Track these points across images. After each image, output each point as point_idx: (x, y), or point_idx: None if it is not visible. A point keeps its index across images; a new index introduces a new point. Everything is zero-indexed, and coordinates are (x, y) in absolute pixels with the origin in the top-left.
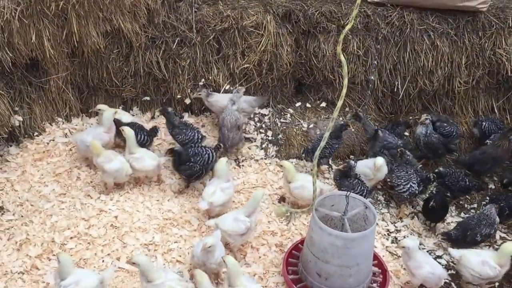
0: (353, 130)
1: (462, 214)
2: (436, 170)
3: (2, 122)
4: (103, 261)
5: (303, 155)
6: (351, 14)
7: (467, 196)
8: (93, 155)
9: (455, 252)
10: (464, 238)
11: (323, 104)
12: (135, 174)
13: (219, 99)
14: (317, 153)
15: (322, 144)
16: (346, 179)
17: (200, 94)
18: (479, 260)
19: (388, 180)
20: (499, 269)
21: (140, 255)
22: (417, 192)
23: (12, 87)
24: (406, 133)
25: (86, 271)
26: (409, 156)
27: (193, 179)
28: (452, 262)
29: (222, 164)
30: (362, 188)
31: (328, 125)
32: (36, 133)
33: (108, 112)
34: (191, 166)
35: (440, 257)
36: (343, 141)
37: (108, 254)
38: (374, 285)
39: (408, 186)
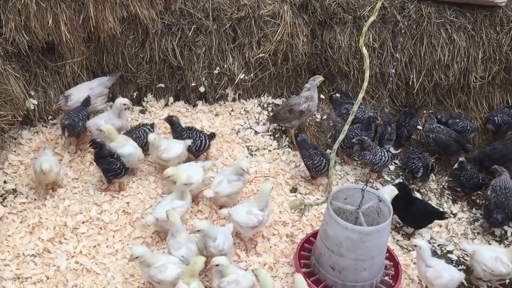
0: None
1: (474, 210)
2: (461, 159)
3: (17, 105)
4: (114, 247)
5: (330, 139)
6: (375, 6)
7: (479, 192)
8: (106, 140)
9: (468, 247)
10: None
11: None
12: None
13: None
14: (335, 146)
15: (341, 137)
16: (306, 149)
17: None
18: (492, 256)
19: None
20: (511, 266)
21: (137, 246)
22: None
23: (28, 71)
24: (419, 126)
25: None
26: (369, 144)
27: (111, 176)
28: (463, 257)
29: (241, 164)
30: (322, 158)
31: (348, 119)
32: (50, 117)
33: (118, 100)
34: (110, 162)
35: (451, 252)
36: (372, 133)
37: (120, 240)
38: (386, 278)
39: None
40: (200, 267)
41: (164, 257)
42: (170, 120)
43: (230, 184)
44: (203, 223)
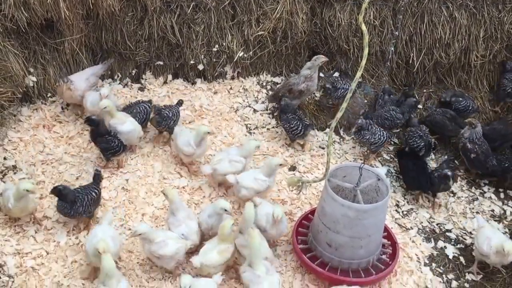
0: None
1: (473, 189)
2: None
3: (17, 82)
4: (113, 224)
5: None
6: None
7: (479, 172)
8: (105, 117)
9: (481, 220)
10: None
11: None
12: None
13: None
14: (333, 124)
15: (339, 115)
16: (285, 113)
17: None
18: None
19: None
20: None
21: (140, 224)
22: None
23: (27, 47)
24: (420, 106)
25: None
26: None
27: (109, 154)
28: (462, 236)
29: (251, 145)
30: (298, 123)
31: (346, 96)
32: (49, 95)
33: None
34: (108, 140)
35: (449, 230)
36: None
37: (121, 219)
38: (384, 256)
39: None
40: (229, 230)
41: (164, 234)
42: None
43: (230, 164)
44: (225, 203)
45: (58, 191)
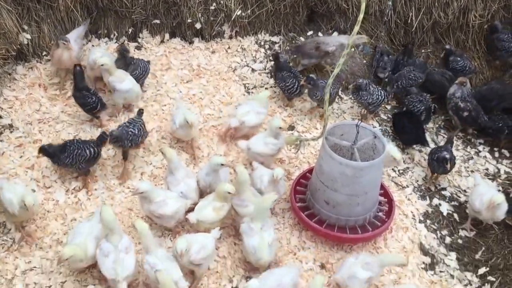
0: None
1: (469, 148)
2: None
3: (10, 39)
4: (111, 182)
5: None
6: None
7: (475, 132)
8: (103, 74)
9: (477, 179)
10: None
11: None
12: None
13: None
14: (330, 81)
15: (336, 71)
16: (280, 71)
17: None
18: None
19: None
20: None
21: (143, 182)
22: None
23: (20, 4)
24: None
25: None
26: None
27: (87, 110)
28: (456, 194)
29: (263, 95)
30: (294, 81)
31: (344, 52)
32: (44, 53)
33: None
34: (85, 96)
35: (444, 189)
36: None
37: (117, 176)
38: (380, 213)
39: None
40: (225, 193)
41: (163, 193)
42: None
43: (257, 115)
44: (221, 159)
45: (44, 150)
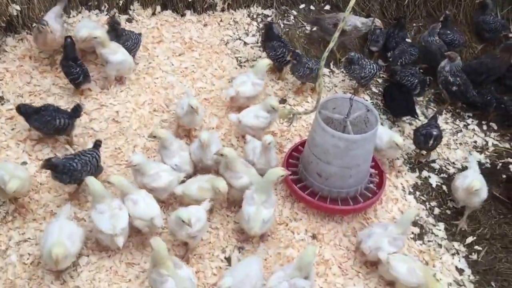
0: None
1: (458, 122)
2: None
3: (0, 11)
4: (104, 154)
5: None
6: None
7: (463, 105)
8: (96, 47)
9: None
10: None
11: (327, 7)
12: None
13: None
14: (325, 54)
15: (331, 45)
16: (270, 40)
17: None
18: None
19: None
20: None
21: (137, 154)
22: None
23: None
24: (408, 39)
25: None
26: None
27: (70, 81)
28: (445, 166)
29: (261, 64)
30: (284, 50)
31: (339, 25)
32: (34, 25)
33: None
34: (69, 65)
35: (433, 161)
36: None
37: (110, 149)
38: (371, 185)
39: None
40: (234, 154)
41: (157, 165)
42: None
43: (254, 86)
44: (206, 134)
45: (19, 108)
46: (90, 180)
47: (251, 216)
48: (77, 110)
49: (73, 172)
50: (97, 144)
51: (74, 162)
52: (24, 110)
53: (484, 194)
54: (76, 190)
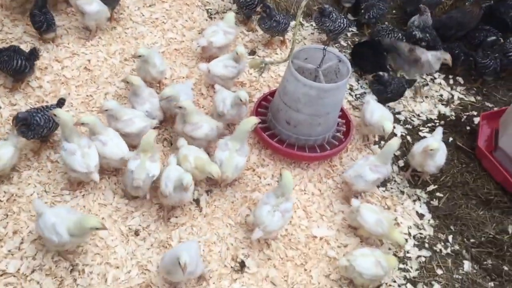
0: None
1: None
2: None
3: None
4: (75, 102)
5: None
6: None
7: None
8: None
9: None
10: None
11: None
12: None
13: None
14: (303, 4)
15: (303, 3)
16: (266, 20)
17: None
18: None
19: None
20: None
21: (109, 100)
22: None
23: None
24: None
25: None
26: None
27: (35, 28)
28: (410, 118)
29: (231, 15)
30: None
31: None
32: None
33: None
34: (35, 14)
35: (399, 113)
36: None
37: (81, 96)
38: (338, 134)
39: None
40: (192, 106)
41: (130, 111)
42: None
43: (225, 35)
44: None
45: None
46: (58, 111)
47: (224, 161)
48: (33, 53)
49: (36, 127)
50: (61, 102)
51: (37, 116)
52: None
53: (441, 160)
54: (40, 148)
